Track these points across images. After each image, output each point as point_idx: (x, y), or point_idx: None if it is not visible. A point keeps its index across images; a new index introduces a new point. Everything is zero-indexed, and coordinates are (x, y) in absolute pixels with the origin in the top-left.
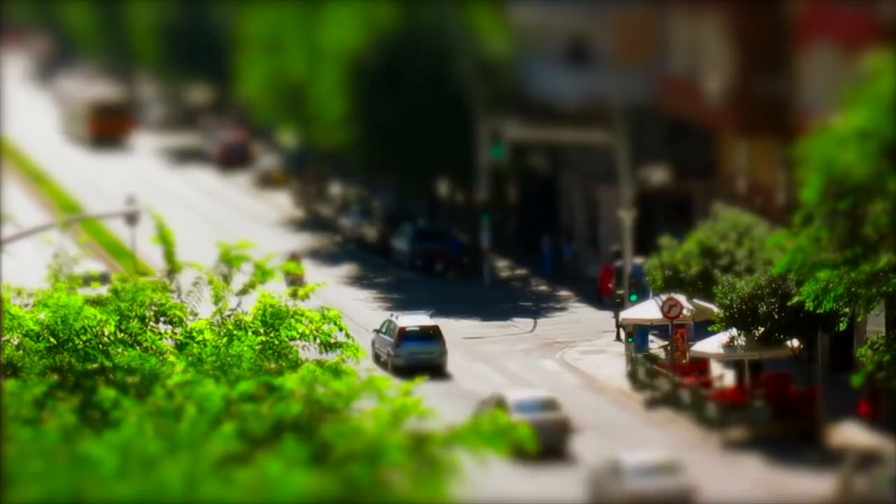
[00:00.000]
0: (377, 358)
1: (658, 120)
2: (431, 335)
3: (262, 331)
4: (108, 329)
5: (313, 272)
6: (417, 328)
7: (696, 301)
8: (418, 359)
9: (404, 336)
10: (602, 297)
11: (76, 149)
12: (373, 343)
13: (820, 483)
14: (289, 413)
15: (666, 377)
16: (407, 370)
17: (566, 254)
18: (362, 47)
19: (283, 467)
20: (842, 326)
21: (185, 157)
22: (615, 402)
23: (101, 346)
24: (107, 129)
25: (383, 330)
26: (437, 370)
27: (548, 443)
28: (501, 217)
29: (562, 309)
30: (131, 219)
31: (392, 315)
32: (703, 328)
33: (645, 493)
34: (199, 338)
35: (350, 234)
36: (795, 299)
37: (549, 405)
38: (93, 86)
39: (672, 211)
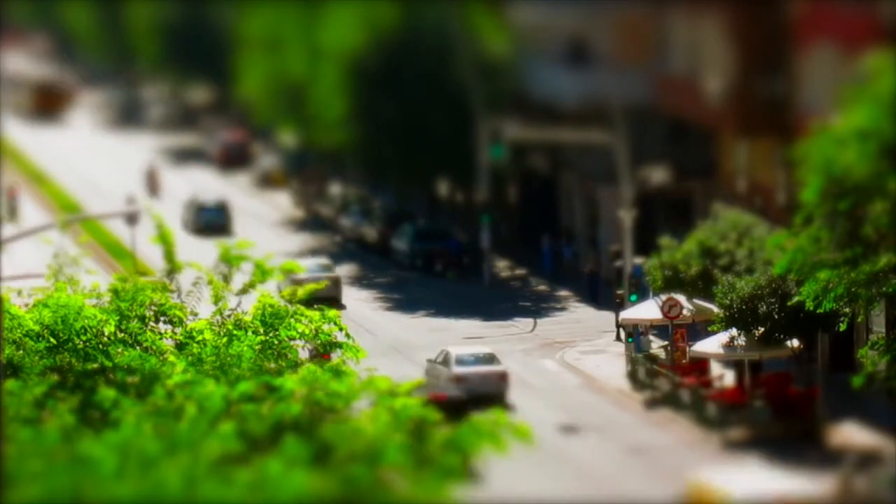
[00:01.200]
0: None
1: (658, 120)
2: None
3: (261, 331)
4: (108, 329)
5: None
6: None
7: (696, 301)
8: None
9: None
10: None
11: (20, 121)
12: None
13: (820, 483)
14: (289, 413)
15: (666, 377)
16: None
17: (566, 254)
18: (362, 47)
19: (282, 467)
20: (842, 327)
21: (185, 157)
22: (615, 402)
23: (101, 346)
24: (46, 105)
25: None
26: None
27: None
28: (502, 217)
29: (562, 309)
30: (131, 219)
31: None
32: (703, 328)
33: (465, 374)
34: (199, 338)
35: (350, 234)
36: (795, 299)
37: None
38: (36, 68)
39: (672, 211)
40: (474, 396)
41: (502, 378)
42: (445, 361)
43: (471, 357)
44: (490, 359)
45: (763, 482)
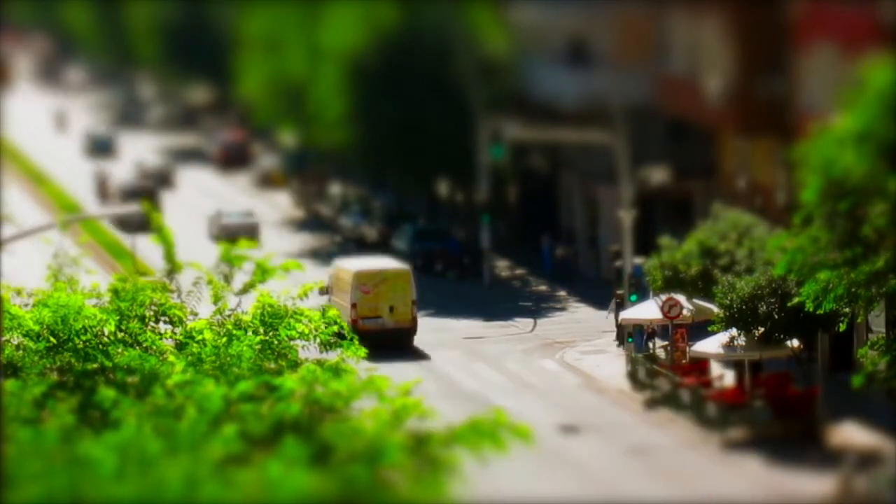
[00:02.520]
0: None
1: (658, 120)
2: None
3: (261, 330)
4: (108, 329)
5: (313, 272)
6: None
7: (696, 301)
8: None
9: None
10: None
11: None
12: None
13: (820, 483)
14: (289, 413)
15: (666, 377)
16: None
17: (552, 253)
18: (362, 47)
19: (283, 468)
20: (842, 327)
21: (185, 157)
22: (615, 402)
23: (100, 346)
24: None
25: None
26: None
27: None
28: (502, 216)
29: (562, 309)
30: (131, 221)
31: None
32: (702, 328)
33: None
34: (199, 338)
35: (350, 234)
36: (795, 300)
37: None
38: None
39: (672, 211)
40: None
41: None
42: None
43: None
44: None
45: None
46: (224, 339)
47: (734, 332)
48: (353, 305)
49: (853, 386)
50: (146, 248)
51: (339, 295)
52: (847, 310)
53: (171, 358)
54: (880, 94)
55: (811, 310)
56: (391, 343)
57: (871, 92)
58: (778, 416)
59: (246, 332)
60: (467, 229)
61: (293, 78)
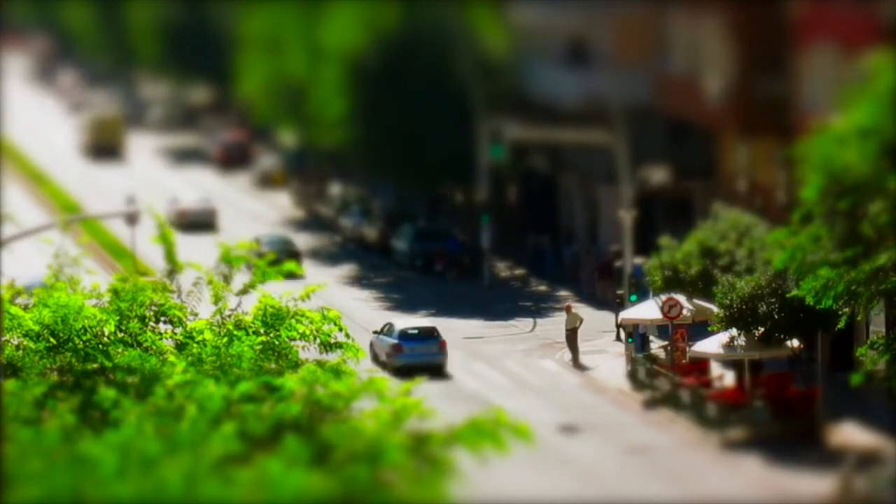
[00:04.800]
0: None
1: (658, 120)
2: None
3: (262, 331)
4: (108, 329)
5: (313, 272)
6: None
7: (696, 301)
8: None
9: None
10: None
11: None
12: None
13: (820, 483)
14: (289, 413)
15: (666, 377)
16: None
17: (566, 255)
18: (363, 47)
19: (283, 467)
20: (841, 324)
21: (185, 157)
22: (615, 402)
23: (101, 346)
24: None
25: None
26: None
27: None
28: (501, 217)
29: (562, 309)
30: (131, 219)
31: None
32: (702, 328)
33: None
34: (199, 338)
35: (350, 234)
36: (794, 292)
37: (427, 332)
38: None
39: (672, 211)
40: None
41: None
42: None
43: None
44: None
45: None
46: (224, 340)
47: (734, 332)
48: None
49: (852, 384)
50: (146, 248)
51: None
52: (847, 309)
53: (172, 358)
54: (885, 92)
55: (811, 303)
56: None
57: (876, 88)
58: (778, 416)
59: (247, 332)
60: (467, 229)
61: (293, 78)
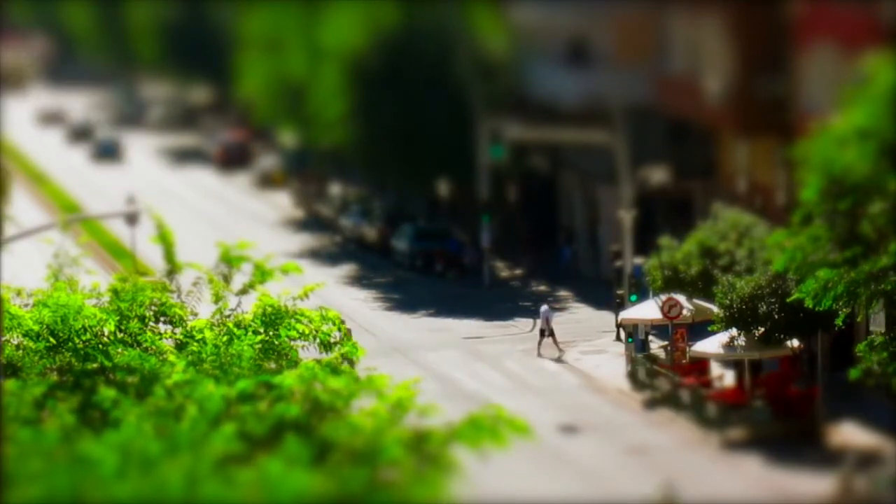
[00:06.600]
0: None
1: (658, 120)
2: None
3: (262, 330)
4: (108, 329)
5: (313, 272)
6: None
7: (696, 301)
8: None
9: None
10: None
11: None
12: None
13: (820, 483)
14: (289, 413)
15: (666, 377)
16: None
17: (566, 255)
18: (363, 47)
19: (283, 467)
20: (838, 321)
21: (185, 157)
22: (615, 402)
23: (101, 346)
24: None
25: None
26: None
27: None
28: (501, 217)
29: (562, 309)
30: (131, 219)
31: None
32: (702, 328)
33: None
34: (199, 337)
35: (350, 234)
36: (795, 295)
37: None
38: None
39: (672, 211)
40: None
41: None
42: None
43: None
44: None
45: None
46: (224, 339)
47: (734, 332)
48: None
49: (849, 378)
50: (146, 248)
51: None
52: (847, 309)
53: (172, 358)
54: (883, 92)
55: (811, 306)
56: None
57: (876, 89)
58: (778, 416)
59: (246, 331)
60: (467, 229)
61: (293, 78)
